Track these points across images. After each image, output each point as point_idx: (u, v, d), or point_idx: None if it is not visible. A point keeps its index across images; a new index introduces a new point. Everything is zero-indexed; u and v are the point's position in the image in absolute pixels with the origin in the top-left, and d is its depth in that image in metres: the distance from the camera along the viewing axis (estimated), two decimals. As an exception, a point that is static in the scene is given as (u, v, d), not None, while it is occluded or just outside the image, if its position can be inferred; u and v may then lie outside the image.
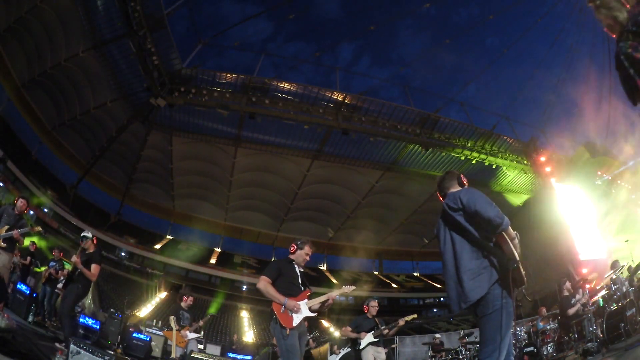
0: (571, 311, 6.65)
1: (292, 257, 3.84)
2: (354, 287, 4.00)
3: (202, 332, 7.76)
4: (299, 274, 3.77)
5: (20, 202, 5.50)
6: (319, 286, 25.12)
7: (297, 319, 3.47)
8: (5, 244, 5.11)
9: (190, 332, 6.73)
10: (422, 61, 24.08)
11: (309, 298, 3.66)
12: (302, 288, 3.70)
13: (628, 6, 2.02)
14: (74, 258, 5.20)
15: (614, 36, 2.08)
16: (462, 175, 2.75)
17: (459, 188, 2.68)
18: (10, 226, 5.18)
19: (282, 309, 3.43)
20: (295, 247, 3.84)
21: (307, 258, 3.85)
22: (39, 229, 5.64)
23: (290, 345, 3.36)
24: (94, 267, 5.28)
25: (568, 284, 7.09)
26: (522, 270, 2.30)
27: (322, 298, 3.71)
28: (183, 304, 7.00)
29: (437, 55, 25.27)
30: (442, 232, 2.60)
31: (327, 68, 25.71)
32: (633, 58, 1.93)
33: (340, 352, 7.44)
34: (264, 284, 3.54)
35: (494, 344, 2.22)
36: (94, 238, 5.51)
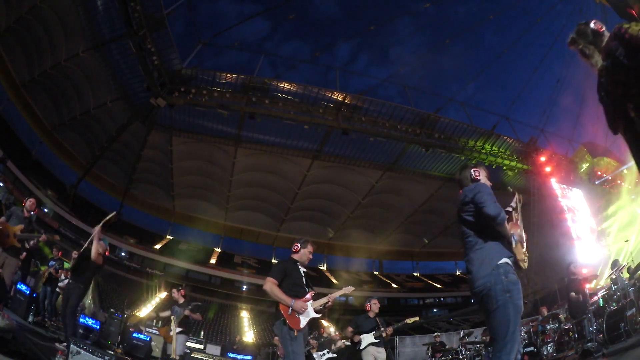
0: (573, 296, 6.66)
1: (295, 257, 3.80)
2: (353, 288, 4.02)
3: (191, 326, 7.62)
4: (303, 274, 3.75)
5: (30, 202, 5.48)
6: (319, 286, 25.11)
7: (304, 321, 3.47)
8: (19, 245, 5.12)
9: (176, 327, 6.69)
10: (421, 60, 23.98)
11: (313, 299, 3.66)
12: (307, 289, 3.68)
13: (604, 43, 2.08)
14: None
15: (596, 71, 2.14)
16: (474, 169, 2.79)
17: (471, 183, 2.77)
18: (24, 227, 5.20)
19: (290, 310, 3.40)
20: (299, 246, 3.80)
21: (310, 257, 3.85)
22: (58, 237, 5.63)
23: (298, 346, 3.36)
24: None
25: (572, 268, 7.08)
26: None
27: (324, 300, 3.73)
28: (180, 300, 7.00)
29: (436, 54, 25.27)
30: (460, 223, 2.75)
31: (324, 67, 25.54)
32: (614, 95, 1.98)
33: (324, 356, 7.37)
34: (270, 285, 3.50)
35: (503, 340, 2.25)
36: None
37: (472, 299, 2.25)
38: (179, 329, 6.73)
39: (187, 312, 6.74)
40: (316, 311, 3.62)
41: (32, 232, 5.48)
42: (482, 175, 2.74)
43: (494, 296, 2.28)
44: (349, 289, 3.97)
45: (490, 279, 2.31)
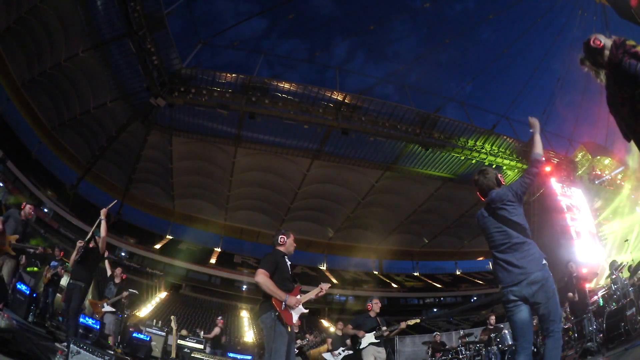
0: (569, 296, 6.68)
1: (282, 249, 3.75)
2: (329, 285, 4.04)
3: (123, 309, 8.16)
4: (289, 268, 3.70)
5: (28, 208, 5.68)
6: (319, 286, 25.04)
7: (295, 316, 3.45)
8: (14, 252, 5.36)
9: (107, 305, 7.06)
10: (419, 59, 23.99)
11: (300, 294, 3.63)
12: (294, 284, 3.65)
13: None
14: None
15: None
16: (499, 175, 3.07)
17: (497, 187, 3.05)
18: (18, 233, 5.39)
19: (283, 305, 3.35)
20: (285, 238, 3.77)
21: (295, 245, 3.85)
22: (50, 251, 5.88)
23: (281, 344, 3.27)
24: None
25: (570, 266, 7.14)
26: None
27: (310, 295, 3.71)
28: (116, 279, 7.50)
29: (434, 53, 25.25)
30: None
31: (322, 66, 25.38)
32: (622, 112, 2.01)
33: (339, 354, 7.36)
34: (263, 277, 3.40)
35: (560, 317, 2.70)
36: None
37: (511, 288, 2.48)
38: (111, 309, 7.09)
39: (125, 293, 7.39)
40: (304, 306, 3.61)
41: (27, 235, 5.70)
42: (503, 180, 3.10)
43: (549, 286, 2.64)
44: (325, 286, 3.95)
45: (544, 273, 2.65)
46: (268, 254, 3.76)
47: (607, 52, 2.05)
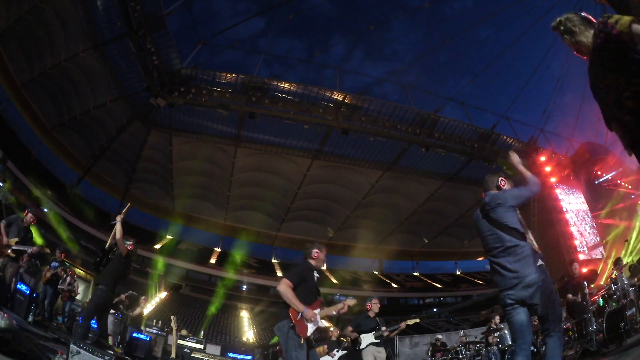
0: (569, 297, 6.67)
1: (313, 262, 3.75)
2: (354, 301, 4.04)
3: (123, 310, 8.29)
4: (316, 282, 3.72)
5: (29, 216, 5.98)
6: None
7: (311, 329, 3.46)
8: (14, 255, 5.65)
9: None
10: (419, 58, 23.94)
11: (320, 307, 3.65)
12: (317, 297, 3.67)
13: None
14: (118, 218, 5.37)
15: (585, 58, 2.01)
16: (502, 178, 3.07)
17: (495, 189, 3.06)
18: (19, 238, 5.70)
19: (299, 316, 3.38)
20: (318, 252, 3.76)
21: (325, 260, 3.87)
22: (48, 250, 6.09)
23: (302, 354, 3.32)
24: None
25: (573, 268, 7.16)
26: None
27: (331, 311, 3.78)
28: None
29: (434, 52, 25.24)
30: None
31: (321, 65, 25.18)
32: (607, 100, 1.88)
33: (335, 355, 7.41)
34: (285, 287, 3.43)
35: (560, 316, 2.76)
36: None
37: (507, 292, 2.64)
38: (111, 310, 7.19)
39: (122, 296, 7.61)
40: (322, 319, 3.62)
41: (28, 240, 5.95)
42: (507, 186, 3.04)
43: (546, 287, 2.65)
44: (351, 300, 3.98)
45: (540, 274, 2.65)
46: (299, 264, 3.79)
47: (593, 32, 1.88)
